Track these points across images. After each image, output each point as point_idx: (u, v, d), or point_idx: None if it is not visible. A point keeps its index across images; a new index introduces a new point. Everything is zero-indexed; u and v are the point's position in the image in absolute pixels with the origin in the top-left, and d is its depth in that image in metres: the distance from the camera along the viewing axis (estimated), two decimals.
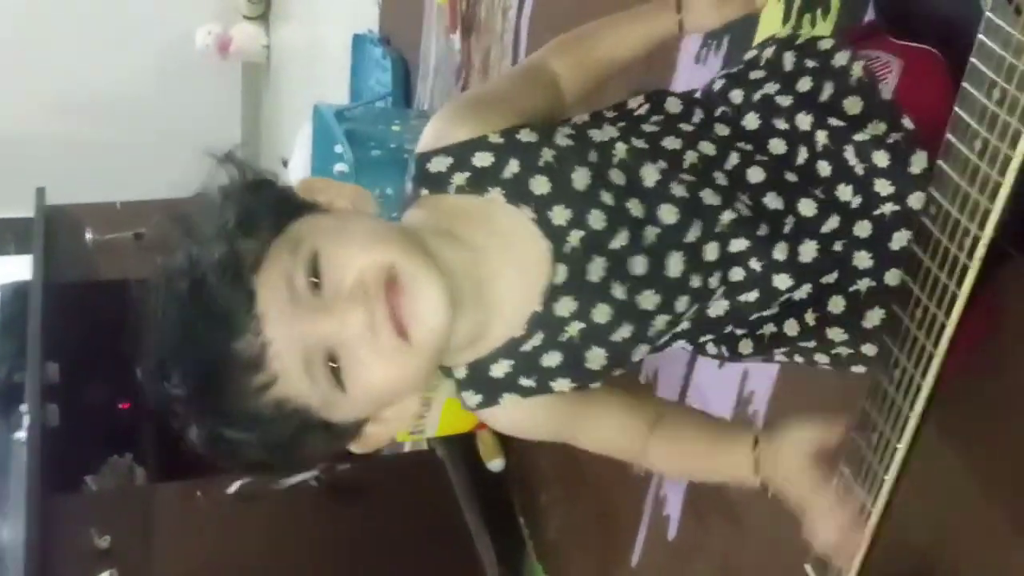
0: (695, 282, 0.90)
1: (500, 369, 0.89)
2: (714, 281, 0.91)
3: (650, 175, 0.89)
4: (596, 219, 0.87)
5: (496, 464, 2.54)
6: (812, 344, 0.95)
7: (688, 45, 1.70)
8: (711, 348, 0.99)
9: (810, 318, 0.94)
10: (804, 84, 0.95)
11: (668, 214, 0.89)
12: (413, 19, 3.15)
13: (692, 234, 0.89)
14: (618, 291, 0.88)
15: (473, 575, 2.35)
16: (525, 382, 0.90)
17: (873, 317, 0.91)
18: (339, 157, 2.70)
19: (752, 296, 0.92)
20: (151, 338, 0.81)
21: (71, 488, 2.80)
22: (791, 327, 0.95)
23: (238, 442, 0.82)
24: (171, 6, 5.00)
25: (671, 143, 0.93)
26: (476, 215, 0.88)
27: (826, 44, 0.97)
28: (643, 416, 0.98)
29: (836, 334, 0.93)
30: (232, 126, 5.43)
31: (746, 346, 0.97)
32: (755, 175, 0.92)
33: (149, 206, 3.36)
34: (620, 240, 0.88)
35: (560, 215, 0.86)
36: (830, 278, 0.93)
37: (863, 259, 0.91)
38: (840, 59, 0.95)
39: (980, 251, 0.76)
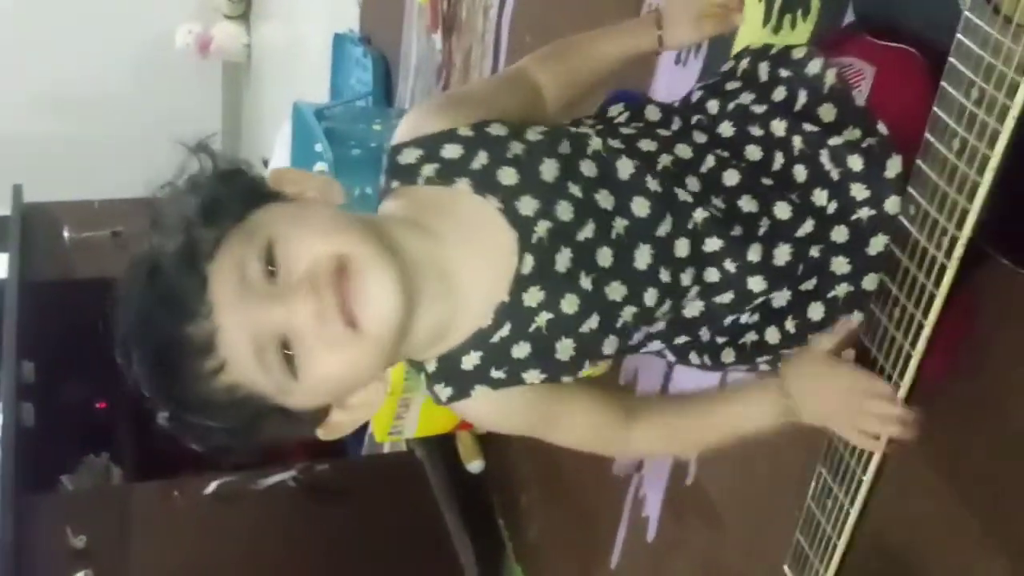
0: (664, 276, 0.90)
1: (470, 361, 0.90)
2: (686, 278, 0.91)
3: (625, 168, 0.91)
4: (564, 210, 0.88)
5: (475, 465, 2.53)
6: (794, 352, 0.96)
7: None
8: (694, 358, 1.00)
9: (791, 325, 0.94)
10: (779, 93, 0.97)
11: (640, 207, 0.90)
12: (394, 18, 3.14)
13: (663, 228, 0.90)
14: (585, 282, 0.88)
15: None
16: (496, 374, 0.90)
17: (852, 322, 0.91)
18: (319, 156, 2.69)
19: (727, 298, 0.93)
20: (118, 323, 0.83)
21: (47, 488, 2.77)
22: (772, 335, 0.95)
23: (198, 426, 0.84)
24: (151, 5, 4.97)
25: (647, 145, 0.94)
26: (444, 206, 0.88)
27: (799, 53, 0.98)
28: (617, 409, 0.98)
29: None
30: (212, 125, 5.40)
31: (728, 355, 0.98)
32: (730, 178, 0.93)
33: (127, 204, 3.33)
34: (587, 231, 0.88)
35: (527, 205, 0.87)
36: (809, 284, 0.94)
37: (841, 264, 0.92)
38: (813, 67, 0.96)
39: (958, 251, 0.76)
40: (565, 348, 0.90)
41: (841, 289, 0.92)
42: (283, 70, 4.70)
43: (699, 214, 0.90)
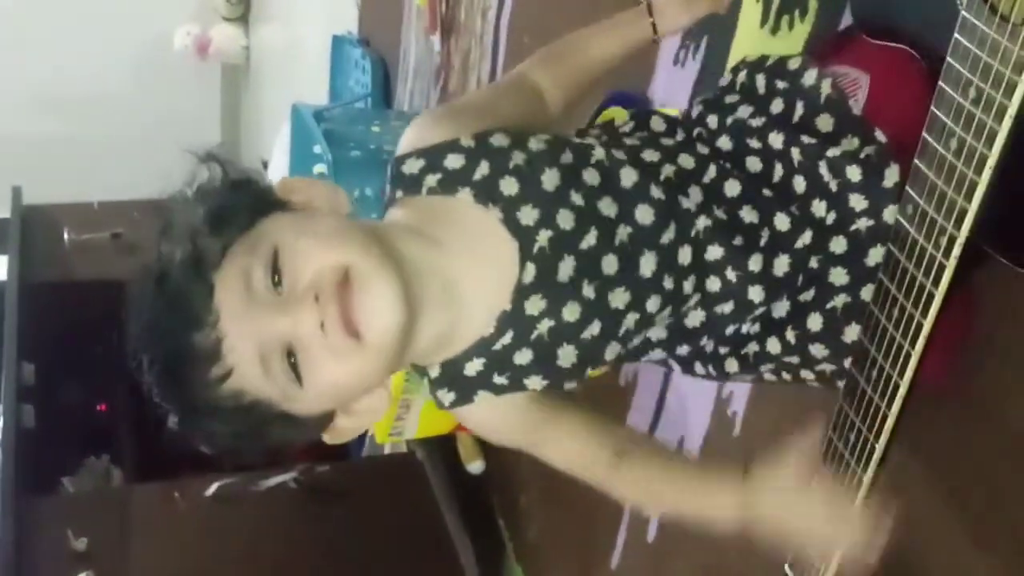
0: (667, 283, 0.91)
1: (473, 367, 0.91)
2: (688, 286, 0.92)
3: (628, 176, 0.91)
4: (565, 219, 0.88)
5: (476, 466, 2.53)
6: (796, 360, 0.97)
7: (666, 47, 1.70)
8: (699, 368, 1.01)
9: (791, 336, 0.95)
10: (776, 105, 0.98)
11: (644, 215, 0.90)
12: (392, 20, 3.14)
13: (667, 236, 0.91)
14: (588, 290, 0.89)
15: None
16: (498, 380, 0.91)
17: (851, 333, 0.93)
18: (318, 157, 2.68)
19: (728, 307, 0.94)
20: (129, 329, 0.85)
21: (47, 490, 2.77)
22: (773, 345, 0.96)
23: (206, 429, 0.86)
24: (149, 7, 4.97)
25: (650, 155, 0.95)
26: (447, 215, 0.89)
27: (795, 64, 0.99)
28: (608, 444, 0.97)
29: (818, 350, 0.95)
30: (211, 127, 5.40)
31: (732, 364, 0.99)
32: (731, 189, 0.94)
33: (127, 206, 3.34)
34: (590, 239, 0.89)
35: (528, 215, 0.88)
36: (807, 295, 0.95)
37: (839, 275, 0.93)
38: (809, 78, 0.97)
39: (956, 250, 0.77)
40: (567, 355, 0.91)
41: (839, 300, 0.93)
42: (282, 72, 4.70)
43: (702, 222, 0.91)
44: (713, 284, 0.93)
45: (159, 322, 0.83)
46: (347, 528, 2.37)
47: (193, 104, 5.24)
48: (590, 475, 0.99)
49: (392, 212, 0.93)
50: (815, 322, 0.94)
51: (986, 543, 1.10)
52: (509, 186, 0.89)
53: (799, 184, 0.94)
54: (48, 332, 2.87)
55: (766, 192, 0.95)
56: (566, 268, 0.88)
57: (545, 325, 0.89)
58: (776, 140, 0.95)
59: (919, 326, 0.81)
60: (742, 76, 1.03)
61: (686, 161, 0.95)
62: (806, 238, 0.93)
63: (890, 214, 0.89)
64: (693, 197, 0.93)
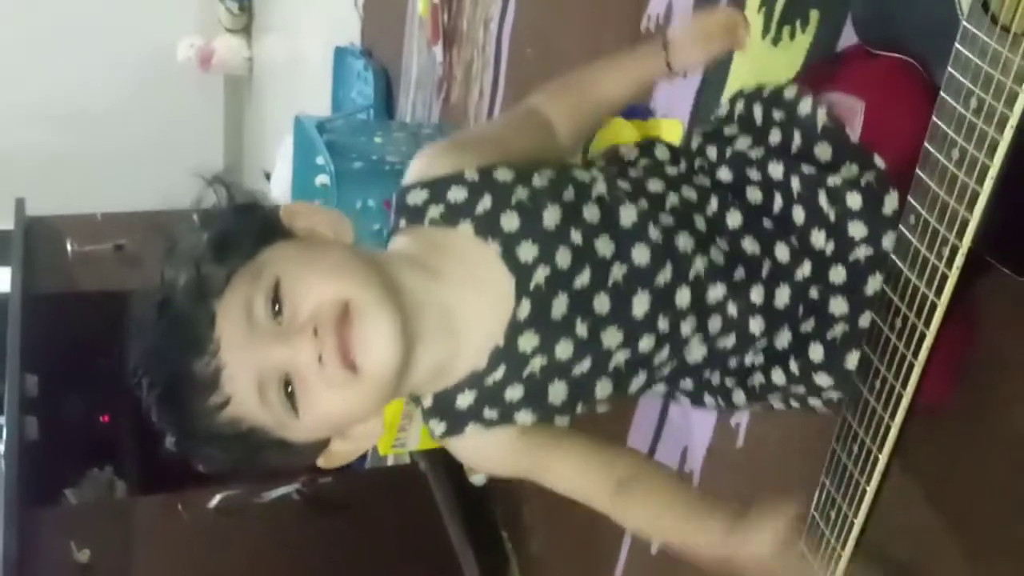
0: (662, 324, 0.91)
1: (465, 400, 0.91)
2: (687, 328, 0.92)
3: (628, 215, 0.91)
4: (563, 257, 0.88)
5: (479, 478, 2.53)
6: (802, 390, 0.98)
7: None
8: (708, 400, 1.01)
9: (794, 367, 0.96)
10: (774, 136, 0.98)
11: (641, 255, 0.90)
12: (395, 31, 3.15)
13: (662, 277, 0.91)
14: (580, 328, 0.89)
15: None
16: (488, 413, 0.91)
17: (853, 360, 0.93)
18: (321, 168, 2.69)
19: (729, 342, 0.95)
20: (130, 350, 0.86)
21: (50, 501, 2.77)
22: (778, 376, 0.97)
23: (203, 453, 0.87)
24: (153, 19, 4.99)
25: (655, 185, 0.95)
26: (448, 247, 0.90)
27: (791, 93, 0.99)
28: (609, 472, 0.96)
29: (823, 379, 0.95)
30: (214, 138, 5.42)
31: (739, 396, 0.99)
32: (733, 220, 0.94)
33: (130, 218, 3.34)
34: (583, 279, 0.89)
35: (527, 251, 0.88)
36: (808, 326, 0.95)
37: (839, 305, 0.93)
38: (804, 107, 0.97)
39: (959, 260, 0.76)
40: (557, 391, 0.91)
41: (838, 329, 0.94)
42: (284, 83, 4.71)
43: (700, 263, 0.91)
44: (715, 323, 0.93)
45: (160, 347, 0.83)
46: (350, 540, 2.37)
47: (196, 115, 5.26)
48: (591, 503, 0.99)
49: (396, 240, 0.93)
50: (817, 352, 0.95)
51: (990, 556, 1.10)
52: (510, 221, 0.89)
53: (798, 215, 0.94)
54: (51, 344, 2.87)
55: (767, 223, 0.95)
56: (560, 306, 0.89)
57: (538, 362, 0.90)
58: (776, 170, 0.95)
59: (922, 336, 0.81)
60: (739, 106, 1.03)
61: (689, 193, 0.95)
62: (806, 269, 0.94)
63: (889, 241, 0.89)
64: (698, 226, 0.93)
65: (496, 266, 0.88)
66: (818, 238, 0.93)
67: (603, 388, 0.93)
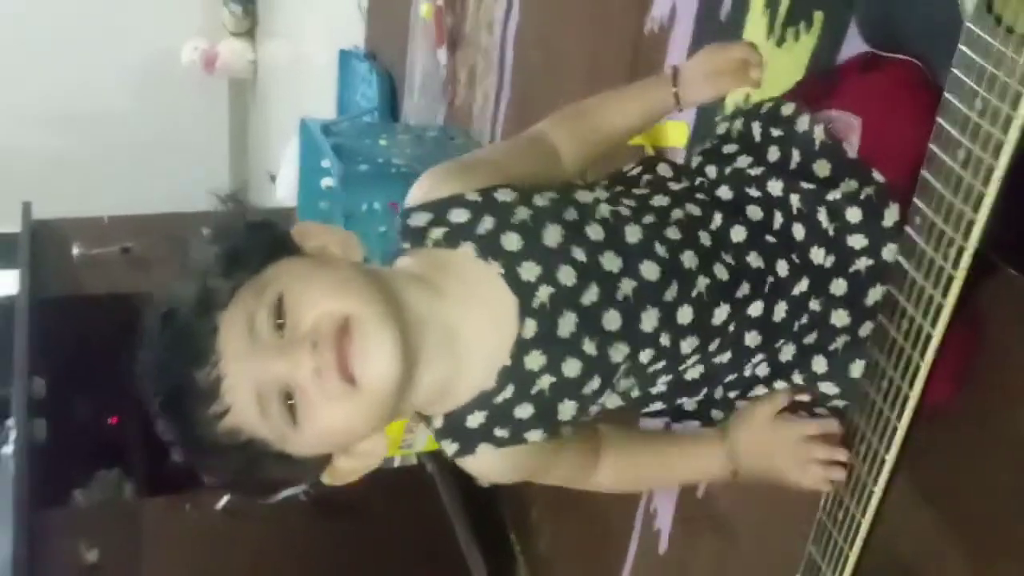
0: (664, 340, 0.92)
1: (475, 420, 0.92)
2: (686, 346, 0.93)
3: (633, 233, 0.92)
4: (566, 275, 0.89)
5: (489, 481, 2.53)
6: (808, 399, 0.99)
7: (672, 59, 1.71)
8: (716, 414, 1.03)
9: (798, 378, 0.97)
10: (773, 154, 0.99)
11: (649, 271, 0.91)
12: (399, 35, 3.15)
13: (670, 294, 0.91)
14: (589, 346, 0.90)
15: None
16: (499, 433, 0.92)
17: (856, 369, 0.94)
18: (326, 171, 2.70)
19: (726, 357, 0.96)
20: (139, 356, 0.87)
21: (59, 502, 2.78)
22: (782, 388, 0.99)
23: (205, 463, 0.88)
24: (157, 22, 5.00)
25: (659, 200, 0.97)
26: (451, 268, 0.91)
27: (788, 110, 1.00)
28: (590, 445, 1.02)
29: (828, 388, 0.97)
30: (219, 142, 5.43)
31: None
32: (738, 234, 0.95)
33: (136, 221, 3.35)
34: (591, 295, 0.90)
35: (529, 271, 0.89)
36: (811, 338, 0.96)
37: (841, 317, 0.94)
38: (802, 125, 0.98)
39: (965, 261, 0.77)
40: (567, 409, 0.92)
41: (840, 341, 0.95)
42: (289, 86, 4.72)
43: (702, 282, 0.92)
44: (714, 344, 0.94)
45: (163, 357, 0.85)
46: (357, 541, 2.37)
47: (201, 119, 5.27)
48: (579, 485, 1.02)
49: (400, 261, 0.94)
50: (819, 364, 0.96)
51: (997, 556, 1.10)
52: (511, 242, 0.90)
53: (798, 231, 0.95)
54: (58, 346, 2.87)
55: (769, 239, 0.96)
56: (567, 324, 0.89)
57: (546, 381, 0.90)
58: (775, 188, 0.95)
59: (928, 337, 0.81)
60: (738, 124, 1.03)
61: (693, 208, 0.96)
62: (803, 285, 0.94)
63: (890, 252, 0.91)
64: (703, 242, 0.93)
65: (499, 286, 0.89)
66: (817, 254, 0.94)
67: (612, 402, 0.95)
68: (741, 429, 1.01)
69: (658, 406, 1.01)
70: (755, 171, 0.98)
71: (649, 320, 0.90)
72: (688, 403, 1.02)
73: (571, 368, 0.90)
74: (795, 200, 0.94)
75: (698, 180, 1.01)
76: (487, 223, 0.90)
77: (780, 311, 0.95)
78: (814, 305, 0.95)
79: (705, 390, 0.99)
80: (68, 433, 2.81)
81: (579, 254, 0.89)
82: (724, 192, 0.98)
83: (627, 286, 0.90)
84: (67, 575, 2.23)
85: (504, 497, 2.51)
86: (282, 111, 4.59)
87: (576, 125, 1.04)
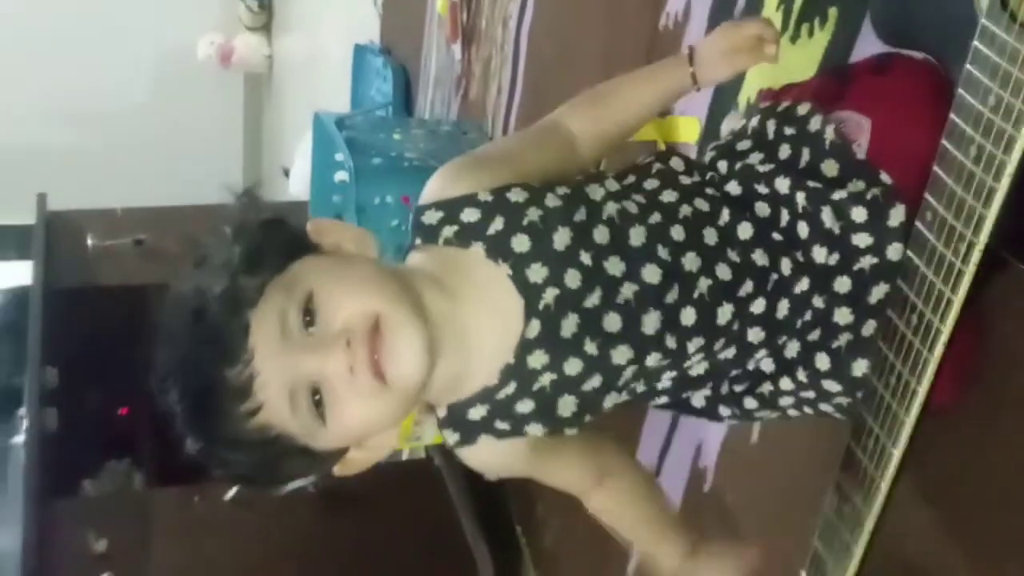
0: (670, 342, 0.92)
1: (477, 413, 0.93)
2: (692, 346, 0.94)
3: (637, 236, 0.93)
4: (572, 278, 0.90)
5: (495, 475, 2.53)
6: (812, 395, 0.99)
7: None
8: (723, 411, 1.03)
9: (802, 375, 0.97)
10: (784, 151, 0.99)
11: (651, 274, 0.92)
12: (414, 29, 3.16)
13: (671, 296, 0.92)
14: (590, 346, 0.91)
15: None
16: (500, 425, 0.94)
17: (859, 368, 0.94)
18: (340, 165, 2.70)
19: (730, 353, 0.96)
20: (158, 354, 0.88)
21: (69, 492, 2.79)
22: (786, 383, 0.98)
23: (225, 458, 0.89)
24: (173, 17, 5.02)
25: (669, 196, 0.97)
26: (461, 267, 0.92)
27: (803, 110, 1.00)
28: (596, 466, 1.03)
29: (831, 385, 0.97)
30: (234, 135, 5.44)
31: (751, 403, 1.01)
32: (745, 231, 0.96)
33: (150, 213, 3.37)
34: (593, 299, 0.90)
35: (537, 273, 0.90)
36: (814, 335, 0.96)
37: (844, 315, 0.94)
38: (814, 124, 0.98)
39: (975, 256, 0.77)
40: (567, 405, 0.93)
41: (843, 339, 0.95)
42: (304, 81, 4.73)
43: (704, 283, 0.92)
44: (720, 343, 0.95)
45: (193, 355, 0.85)
46: (365, 533, 2.38)
47: (216, 112, 5.29)
48: (575, 493, 1.04)
49: (412, 256, 0.95)
50: (823, 361, 0.96)
51: (1004, 553, 1.10)
52: (520, 243, 0.90)
53: (802, 230, 0.95)
54: (71, 337, 2.89)
55: (775, 236, 0.96)
56: (569, 325, 0.90)
57: (547, 378, 0.91)
58: (782, 185, 0.96)
59: (937, 332, 0.81)
60: (754, 121, 1.04)
61: (701, 204, 0.97)
62: (803, 284, 0.95)
63: (895, 252, 0.91)
64: (706, 244, 0.94)
65: (506, 286, 0.90)
66: (819, 253, 0.94)
67: (611, 400, 0.95)
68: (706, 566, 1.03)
69: (663, 400, 1.02)
70: (764, 168, 0.98)
71: (651, 322, 0.91)
72: (696, 398, 1.03)
73: (572, 367, 0.91)
74: (800, 198, 0.94)
75: (709, 175, 1.02)
76: (497, 224, 0.91)
77: (783, 308, 0.95)
78: (817, 302, 0.95)
79: (710, 384, 1.00)
80: (79, 423, 2.83)
81: (586, 258, 0.91)
82: (733, 188, 0.99)
83: (628, 290, 0.91)
84: (76, 565, 2.25)
85: (511, 491, 2.51)
86: (297, 106, 4.61)
87: (592, 109, 1.04)
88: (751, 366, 0.99)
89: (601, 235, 0.92)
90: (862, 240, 0.92)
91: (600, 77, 1.07)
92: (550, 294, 0.90)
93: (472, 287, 0.91)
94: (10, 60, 4.66)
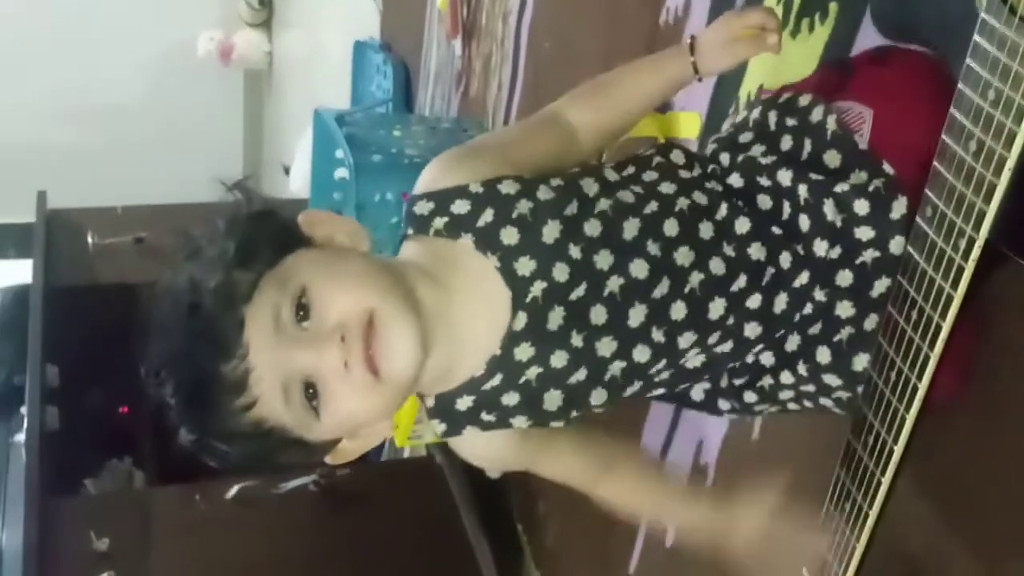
0: (657, 336, 0.92)
1: (464, 403, 0.94)
2: (684, 342, 0.93)
3: (630, 229, 0.92)
4: (560, 272, 0.90)
5: (495, 471, 2.53)
6: (813, 389, 0.99)
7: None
8: (723, 404, 1.03)
9: (803, 369, 0.97)
10: (786, 143, 0.99)
11: (639, 268, 0.91)
12: (414, 25, 3.16)
13: (659, 291, 0.92)
14: (576, 339, 0.91)
15: None
16: (486, 417, 0.94)
17: (860, 362, 0.94)
18: (340, 162, 2.70)
19: (727, 347, 0.96)
20: (151, 348, 0.88)
21: (70, 491, 2.79)
22: (786, 377, 0.98)
23: (219, 450, 0.89)
24: (173, 13, 5.01)
25: (667, 188, 0.96)
26: (450, 258, 0.92)
27: (804, 101, 1.00)
28: (593, 461, 1.03)
29: (832, 379, 0.97)
30: (234, 132, 5.44)
31: (751, 396, 1.01)
32: (742, 226, 0.95)
33: (150, 211, 3.37)
34: (579, 291, 0.90)
35: (525, 266, 0.90)
36: (815, 329, 0.96)
37: (845, 308, 0.94)
38: (816, 115, 0.98)
39: (975, 252, 0.77)
40: (553, 399, 0.93)
41: (845, 332, 0.95)
42: (304, 77, 4.73)
43: (695, 277, 0.92)
44: (713, 337, 0.95)
45: (188, 350, 0.85)
46: (366, 531, 2.38)
47: (216, 109, 5.28)
48: (579, 487, 1.04)
49: (405, 247, 0.96)
50: (824, 355, 0.96)
51: (1005, 549, 1.10)
52: (509, 236, 0.90)
53: (804, 223, 0.95)
54: (72, 335, 2.89)
55: (775, 230, 0.96)
56: (555, 317, 0.90)
57: (533, 371, 0.92)
58: (784, 177, 0.95)
59: (938, 328, 0.81)
60: (756, 113, 1.03)
61: (700, 197, 0.96)
62: (803, 278, 0.94)
63: (897, 245, 0.90)
64: (694, 246, 0.93)
65: (494, 279, 0.90)
66: (820, 246, 0.94)
67: (598, 396, 0.95)
68: (744, 529, 1.01)
69: (661, 391, 1.02)
70: (767, 160, 0.97)
71: (636, 316, 0.91)
72: (695, 391, 1.02)
73: (558, 359, 0.91)
74: (803, 191, 0.94)
75: (711, 167, 1.01)
76: (487, 216, 0.91)
77: (780, 303, 0.95)
78: (819, 296, 0.95)
79: (708, 376, 1.00)
80: (80, 422, 2.83)
81: (575, 252, 0.90)
82: (735, 180, 0.98)
83: (614, 283, 0.91)
84: (77, 563, 2.24)
85: (512, 489, 2.51)
86: (297, 103, 4.60)
87: (593, 99, 1.03)
88: (750, 359, 0.99)
89: (592, 228, 0.92)
90: (864, 234, 0.92)
91: (600, 72, 1.07)
92: (538, 287, 0.90)
93: (463, 279, 0.91)
94: (10, 58, 4.66)
